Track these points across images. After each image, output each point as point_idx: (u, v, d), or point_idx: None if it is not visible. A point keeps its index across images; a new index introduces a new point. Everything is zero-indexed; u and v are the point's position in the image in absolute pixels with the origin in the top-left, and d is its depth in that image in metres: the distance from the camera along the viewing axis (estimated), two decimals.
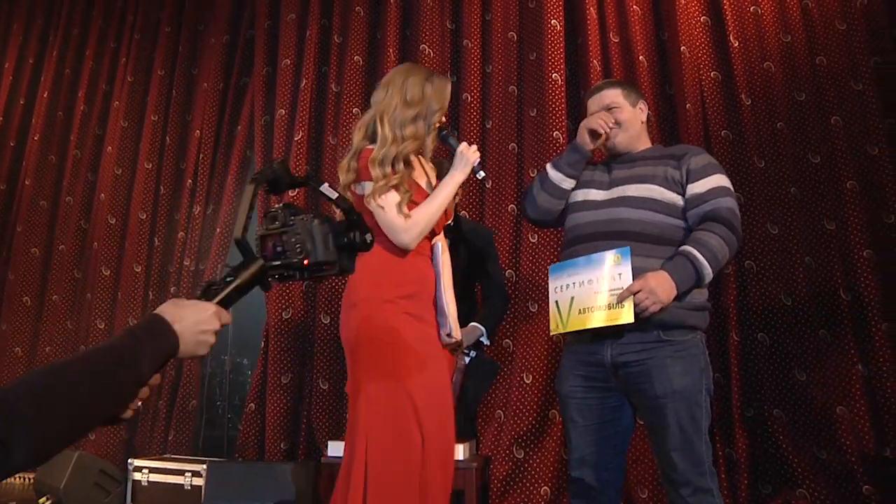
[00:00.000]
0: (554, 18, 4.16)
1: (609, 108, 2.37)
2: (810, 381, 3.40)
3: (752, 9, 3.91)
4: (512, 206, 4.05)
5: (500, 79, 4.28)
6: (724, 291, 3.57)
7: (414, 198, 2.19)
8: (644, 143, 2.43)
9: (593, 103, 2.43)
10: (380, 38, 4.60)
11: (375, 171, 2.15)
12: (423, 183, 2.27)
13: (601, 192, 2.30)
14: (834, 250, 3.53)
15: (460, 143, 2.30)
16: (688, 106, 3.78)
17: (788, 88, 3.79)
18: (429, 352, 2.18)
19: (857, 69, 3.71)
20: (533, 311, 3.82)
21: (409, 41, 4.55)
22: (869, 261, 3.45)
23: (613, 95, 2.40)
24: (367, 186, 2.19)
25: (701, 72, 3.86)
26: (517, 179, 4.11)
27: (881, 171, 3.55)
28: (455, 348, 2.38)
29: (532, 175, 4.01)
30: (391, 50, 4.45)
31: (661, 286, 2.03)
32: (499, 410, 3.75)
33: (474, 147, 2.28)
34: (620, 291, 2.04)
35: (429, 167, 2.37)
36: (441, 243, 2.33)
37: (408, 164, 2.21)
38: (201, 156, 4.82)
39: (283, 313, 4.18)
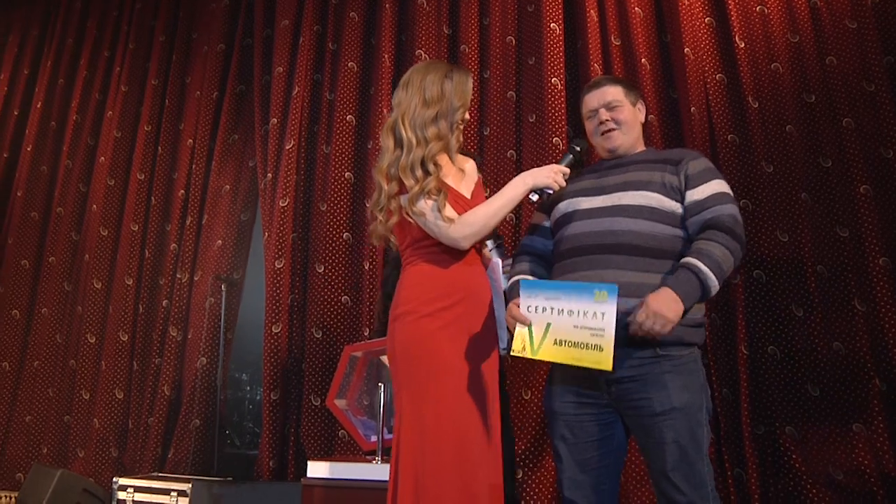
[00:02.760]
0: (553, 22, 4.03)
1: (610, 106, 2.24)
2: (824, 396, 3.22)
3: (758, 8, 3.76)
4: (511, 215, 3.91)
5: (499, 84, 4.15)
6: (732, 303, 3.40)
7: (449, 199, 2.12)
8: (640, 146, 2.30)
9: (593, 98, 2.28)
10: (374, 43, 4.50)
11: (408, 180, 2.11)
12: (453, 182, 2.19)
13: (593, 199, 2.14)
14: (847, 258, 3.36)
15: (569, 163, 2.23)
16: (692, 110, 3.63)
17: (797, 90, 3.63)
18: (469, 366, 2.08)
19: (868, 69, 3.55)
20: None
21: (404, 46, 4.44)
22: (885, 269, 3.27)
23: (615, 93, 2.26)
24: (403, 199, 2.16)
25: (706, 74, 3.71)
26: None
27: None
28: None
29: None
30: (386, 56, 4.34)
31: (666, 305, 1.87)
32: None
33: (558, 174, 2.15)
34: (601, 333, 1.85)
35: (461, 162, 2.28)
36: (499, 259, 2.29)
37: (436, 165, 2.14)
38: (194, 166, 4.72)
39: (273, 327, 4.05)
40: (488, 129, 4.11)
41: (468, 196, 2.21)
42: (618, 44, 3.92)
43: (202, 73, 4.92)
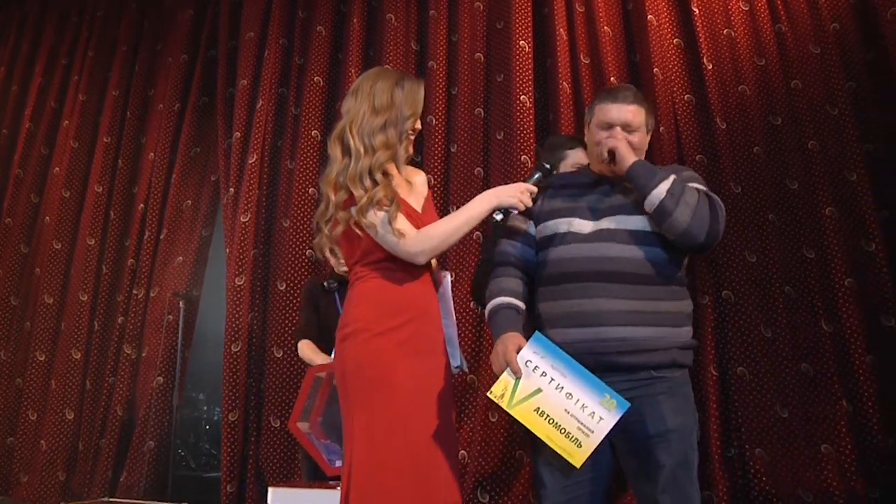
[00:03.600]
0: (523, 39, 4.01)
1: (629, 128, 2.06)
2: (793, 417, 3.21)
3: (725, 31, 3.79)
4: (477, 233, 3.85)
5: (467, 101, 4.11)
6: (702, 323, 3.37)
7: (401, 210, 2.01)
8: None
9: (613, 111, 2.06)
10: (341, 58, 4.43)
11: (357, 190, 2.00)
12: (402, 194, 2.08)
13: (587, 222, 2.01)
14: (814, 279, 3.37)
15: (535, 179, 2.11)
16: (661, 129, 3.63)
17: (764, 112, 3.65)
18: (422, 386, 1.98)
19: (832, 94, 3.59)
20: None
21: (372, 62, 4.37)
22: (850, 290, 3.28)
23: (638, 115, 2.07)
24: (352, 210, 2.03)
25: (674, 94, 3.72)
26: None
27: (860, 197, 3.40)
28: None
29: None
30: (353, 71, 4.27)
31: (629, 153, 2.00)
32: (462, 451, 3.50)
33: (525, 194, 2.04)
34: (589, 433, 1.80)
35: (409, 174, 2.17)
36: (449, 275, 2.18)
37: (385, 174, 2.04)
38: (153, 179, 4.58)
39: (233, 346, 3.92)
40: (455, 146, 4.06)
41: (419, 209, 2.10)
42: (587, 62, 3.92)
43: (165, 84, 4.80)
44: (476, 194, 3.76)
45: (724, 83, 3.70)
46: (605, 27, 3.92)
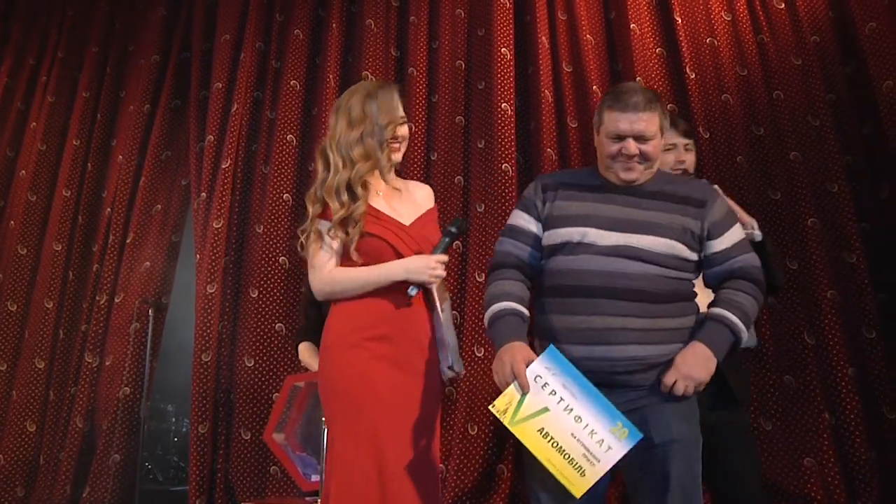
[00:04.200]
0: (504, 47, 3.96)
1: (643, 138, 1.90)
2: (776, 430, 3.17)
3: (708, 41, 3.78)
4: (457, 242, 3.78)
5: (447, 109, 4.05)
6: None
7: (366, 228, 2.03)
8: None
9: (625, 120, 1.90)
10: (319, 63, 4.35)
11: (333, 203, 2.04)
12: (384, 203, 2.10)
13: (603, 233, 1.89)
14: (797, 291, 3.34)
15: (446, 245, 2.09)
16: None
17: (747, 122, 3.64)
18: (399, 400, 1.97)
19: (814, 105, 3.58)
20: (479, 355, 3.53)
21: (350, 67, 4.31)
22: (833, 302, 3.26)
23: (651, 122, 1.90)
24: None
25: None
26: (463, 214, 3.85)
27: (842, 208, 3.40)
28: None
29: (479, 210, 3.77)
30: (331, 76, 4.20)
31: (697, 366, 1.78)
32: (440, 464, 3.40)
33: (437, 269, 2.01)
34: (595, 462, 1.71)
35: (396, 184, 2.17)
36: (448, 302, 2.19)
37: (365, 187, 2.06)
38: (121, 182, 4.44)
39: (203, 356, 3.79)
40: (435, 154, 4.00)
41: (406, 222, 2.09)
42: (569, 70, 3.88)
43: (137, 86, 4.66)
44: (456, 202, 3.81)
45: (706, 93, 3.68)
46: (588, 35, 3.89)
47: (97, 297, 4.26)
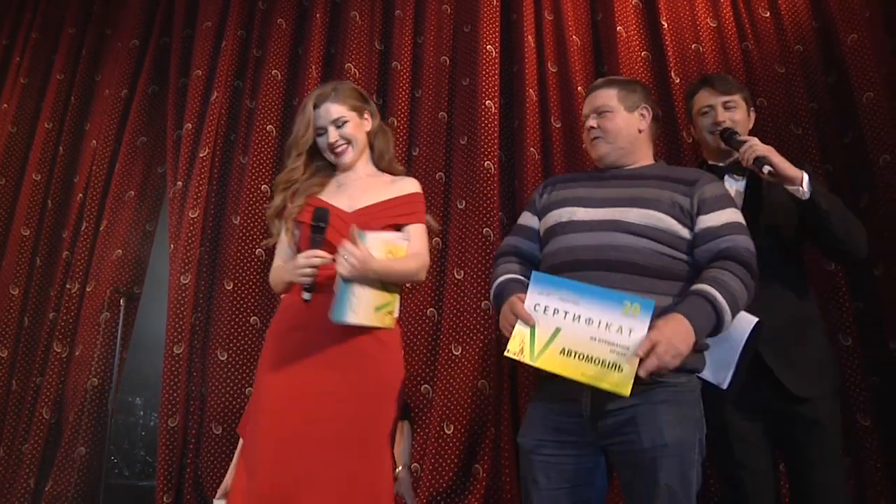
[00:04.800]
0: (490, 44, 3.93)
1: (599, 112, 2.08)
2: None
3: (693, 46, 3.78)
4: (437, 239, 3.74)
5: (430, 104, 4.01)
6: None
7: (299, 217, 2.22)
8: (643, 158, 2.10)
9: (587, 103, 2.16)
10: (301, 53, 4.28)
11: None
12: (328, 196, 2.24)
13: (594, 210, 1.94)
14: None
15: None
16: None
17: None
18: (309, 393, 2.00)
19: (796, 113, 3.60)
20: (456, 354, 3.49)
21: (333, 59, 4.25)
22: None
23: (606, 97, 2.09)
24: None
25: None
26: (443, 211, 3.81)
27: None
28: None
29: (460, 207, 3.73)
30: (313, 67, 4.13)
31: (678, 334, 1.67)
32: (415, 464, 3.37)
33: (306, 267, 2.04)
34: (625, 350, 1.65)
35: (371, 182, 2.30)
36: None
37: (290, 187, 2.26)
38: (94, 168, 4.33)
39: (175, 348, 3.71)
40: (417, 150, 3.95)
41: (348, 209, 2.19)
42: (554, 70, 3.86)
43: (114, 70, 4.55)
44: (437, 199, 3.79)
45: None
46: (574, 36, 3.87)
47: (68, 285, 4.14)
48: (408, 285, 2.17)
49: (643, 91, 2.19)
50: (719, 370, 1.99)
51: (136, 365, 4.87)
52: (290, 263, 2.12)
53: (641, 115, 2.11)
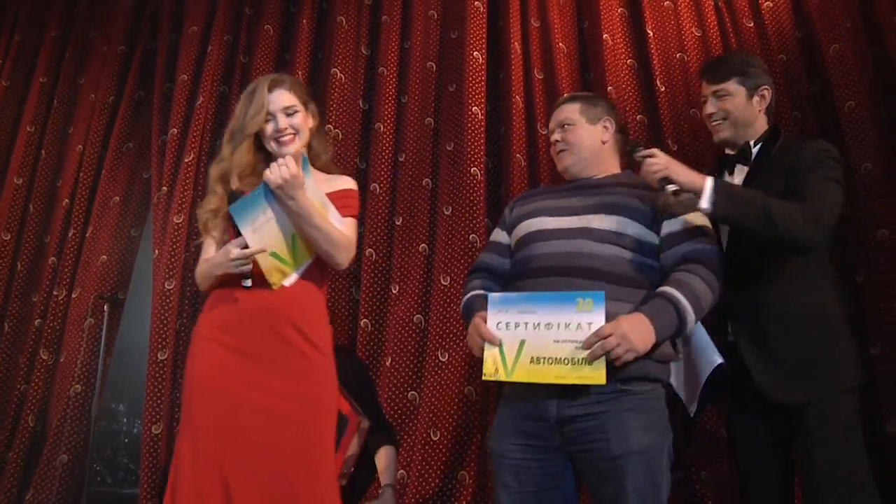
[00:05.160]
0: (476, 51, 3.94)
1: (562, 126, 2.14)
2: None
3: (678, 55, 3.81)
4: (423, 245, 3.75)
5: (417, 110, 4.01)
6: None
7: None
8: (608, 168, 2.15)
9: (552, 119, 2.23)
10: (288, 59, 4.28)
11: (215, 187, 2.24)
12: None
13: (561, 219, 1.99)
14: None
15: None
16: None
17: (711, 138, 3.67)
18: (246, 395, 1.92)
19: (780, 122, 3.60)
20: (443, 360, 3.49)
21: (320, 64, 4.25)
22: None
23: (569, 111, 2.16)
24: None
25: (627, 114, 3.70)
26: (430, 217, 3.82)
27: None
28: None
29: (446, 213, 3.73)
30: (300, 72, 4.12)
31: (637, 331, 1.71)
32: (401, 470, 3.36)
33: (234, 258, 1.99)
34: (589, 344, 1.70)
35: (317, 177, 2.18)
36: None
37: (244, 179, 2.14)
38: (82, 174, 4.30)
39: (159, 354, 3.69)
40: (404, 156, 3.96)
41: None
42: (541, 77, 3.88)
43: (98, 74, 4.53)
44: (423, 205, 3.79)
45: (676, 105, 3.71)
46: (560, 43, 3.89)
47: (55, 292, 4.10)
48: (319, 266, 2.07)
49: (606, 105, 2.26)
50: (689, 399, 2.06)
51: (119, 371, 4.83)
52: (221, 255, 2.05)
53: (604, 127, 2.18)
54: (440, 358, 3.48)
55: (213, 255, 2.13)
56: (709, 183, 1.92)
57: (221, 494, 1.83)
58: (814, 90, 3.67)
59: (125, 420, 5.48)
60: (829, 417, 2.00)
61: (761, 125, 2.31)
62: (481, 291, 2.04)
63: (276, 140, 2.19)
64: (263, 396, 1.93)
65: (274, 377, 1.96)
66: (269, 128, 2.18)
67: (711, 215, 1.94)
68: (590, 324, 1.72)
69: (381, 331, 3.68)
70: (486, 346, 1.82)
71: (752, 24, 3.79)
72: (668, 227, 1.94)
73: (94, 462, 4.47)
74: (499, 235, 2.20)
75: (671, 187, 1.93)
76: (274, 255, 2.02)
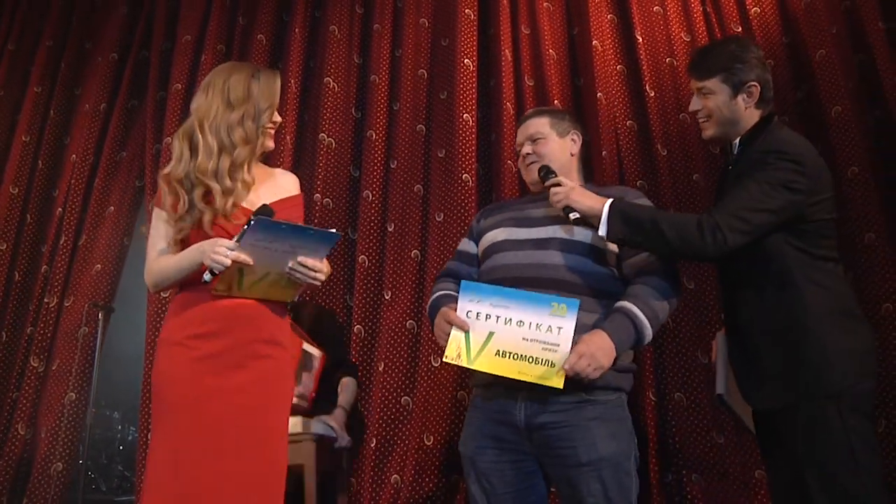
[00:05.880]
0: (467, 58, 3.98)
1: (533, 139, 2.18)
2: (728, 443, 3.21)
3: (667, 60, 3.86)
4: (416, 251, 3.78)
5: (408, 117, 4.05)
6: (640, 348, 3.36)
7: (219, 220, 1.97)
8: (573, 180, 2.18)
9: (520, 132, 2.27)
10: (281, 67, 4.30)
11: (215, 186, 1.94)
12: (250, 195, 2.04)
13: (524, 230, 2.05)
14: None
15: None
16: (604, 153, 3.64)
17: (704, 141, 3.61)
18: (218, 403, 1.89)
19: None
20: (435, 365, 3.51)
21: (312, 73, 4.28)
22: None
23: (538, 125, 2.21)
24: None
25: (617, 120, 3.75)
26: (422, 223, 3.85)
27: None
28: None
29: (438, 219, 3.76)
30: (293, 81, 4.16)
31: (601, 349, 1.77)
32: (395, 475, 3.38)
33: (221, 255, 1.85)
34: (555, 348, 1.76)
35: (263, 173, 2.13)
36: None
37: (249, 170, 2.01)
38: (73, 181, 4.32)
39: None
40: (395, 162, 3.99)
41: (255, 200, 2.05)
42: (531, 84, 3.91)
43: (94, 84, 4.54)
44: (415, 212, 3.81)
45: (665, 111, 3.75)
46: (551, 50, 3.93)
47: (46, 300, 4.11)
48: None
49: (572, 118, 2.31)
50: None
51: (114, 379, 4.85)
52: (200, 243, 1.93)
53: (573, 139, 2.23)
54: (433, 363, 3.50)
55: (181, 253, 1.99)
56: (605, 209, 1.93)
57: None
58: (800, 95, 3.71)
59: (120, 427, 5.49)
60: (799, 424, 1.85)
61: (751, 121, 2.15)
62: (450, 292, 2.08)
63: (267, 133, 2.11)
64: (232, 398, 1.91)
65: (242, 379, 1.93)
66: (268, 118, 2.10)
67: (609, 240, 1.96)
68: (560, 328, 1.77)
69: (375, 336, 3.70)
70: (453, 330, 1.87)
71: (739, 29, 3.83)
72: None
73: (88, 470, 4.48)
74: (467, 245, 2.26)
75: (573, 215, 1.98)
76: (277, 277, 1.98)
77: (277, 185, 2.14)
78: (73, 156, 4.41)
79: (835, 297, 1.95)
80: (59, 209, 4.31)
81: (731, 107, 2.15)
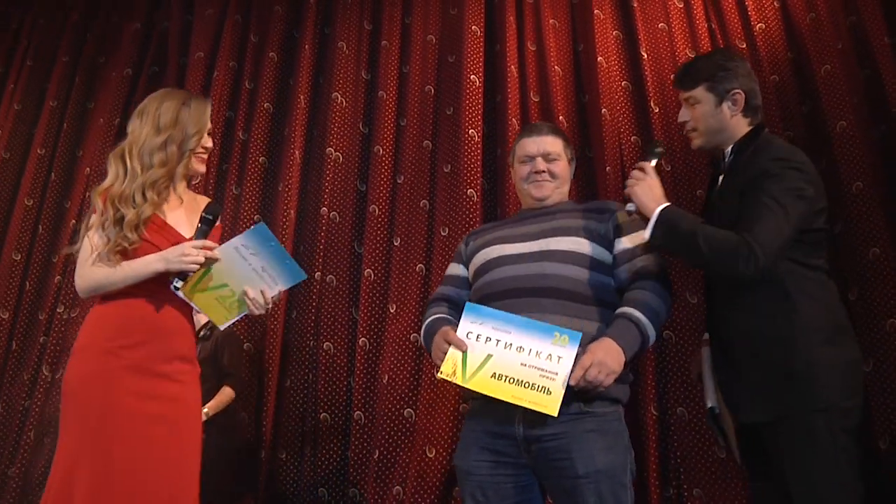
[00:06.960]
0: (473, 74, 4.03)
1: (549, 157, 2.19)
2: (730, 458, 3.19)
3: (672, 77, 3.86)
4: (421, 265, 3.81)
5: (415, 132, 4.10)
6: (643, 362, 3.36)
7: (147, 235, 2.02)
8: (570, 197, 2.29)
9: (531, 144, 2.21)
10: (291, 84, 4.37)
11: (127, 209, 2.01)
12: (168, 214, 2.10)
13: (520, 244, 2.06)
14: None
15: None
16: (608, 169, 3.66)
17: (707, 158, 3.71)
18: (144, 410, 1.93)
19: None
20: (438, 378, 3.51)
21: (321, 88, 4.35)
22: None
23: (556, 145, 2.22)
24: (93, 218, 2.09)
25: (621, 136, 3.77)
26: (427, 238, 3.88)
27: None
28: None
29: (443, 234, 3.79)
30: (302, 97, 4.23)
31: (609, 354, 1.79)
32: (397, 487, 3.39)
33: (192, 253, 1.96)
34: (553, 376, 1.77)
35: (188, 197, 2.20)
36: None
37: (158, 193, 2.06)
38: (87, 194, 4.39)
39: None
40: (402, 177, 4.02)
41: (186, 234, 2.10)
42: (536, 100, 3.95)
43: (107, 98, 4.64)
44: (421, 226, 3.84)
45: (669, 127, 3.75)
46: (556, 66, 3.97)
47: (58, 310, 4.18)
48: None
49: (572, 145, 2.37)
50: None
51: None
52: (161, 253, 1.99)
53: (572, 165, 2.30)
54: (436, 376, 3.51)
55: (138, 260, 2.02)
56: (656, 213, 1.96)
57: None
58: (805, 110, 3.71)
59: None
60: (786, 437, 1.84)
61: (738, 130, 2.14)
62: (443, 315, 2.10)
63: (196, 157, 2.19)
64: (153, 407, 1.96)
65: (161, 388, 1.99)
66: (194, 143, 2.17)
67: (651, 244, 1.99)
68: (560, 357, 1.78)
69: (379, 349, 3.72)
70: (451, 348, 1.88)
71: (744, 45, 3.84)
72: (620, 244, 2.03)
73: None
74: (456, 269, 2.27)
75: (630, 206, 2.03)
76: (229, 293, 2.05)
77: (199, 210, 2.18)
78: (87, 169, 4.49)
79: (826, 310, 1.94)
80: (73, 221, 4.39)
81: (716, 115, 2.15)
